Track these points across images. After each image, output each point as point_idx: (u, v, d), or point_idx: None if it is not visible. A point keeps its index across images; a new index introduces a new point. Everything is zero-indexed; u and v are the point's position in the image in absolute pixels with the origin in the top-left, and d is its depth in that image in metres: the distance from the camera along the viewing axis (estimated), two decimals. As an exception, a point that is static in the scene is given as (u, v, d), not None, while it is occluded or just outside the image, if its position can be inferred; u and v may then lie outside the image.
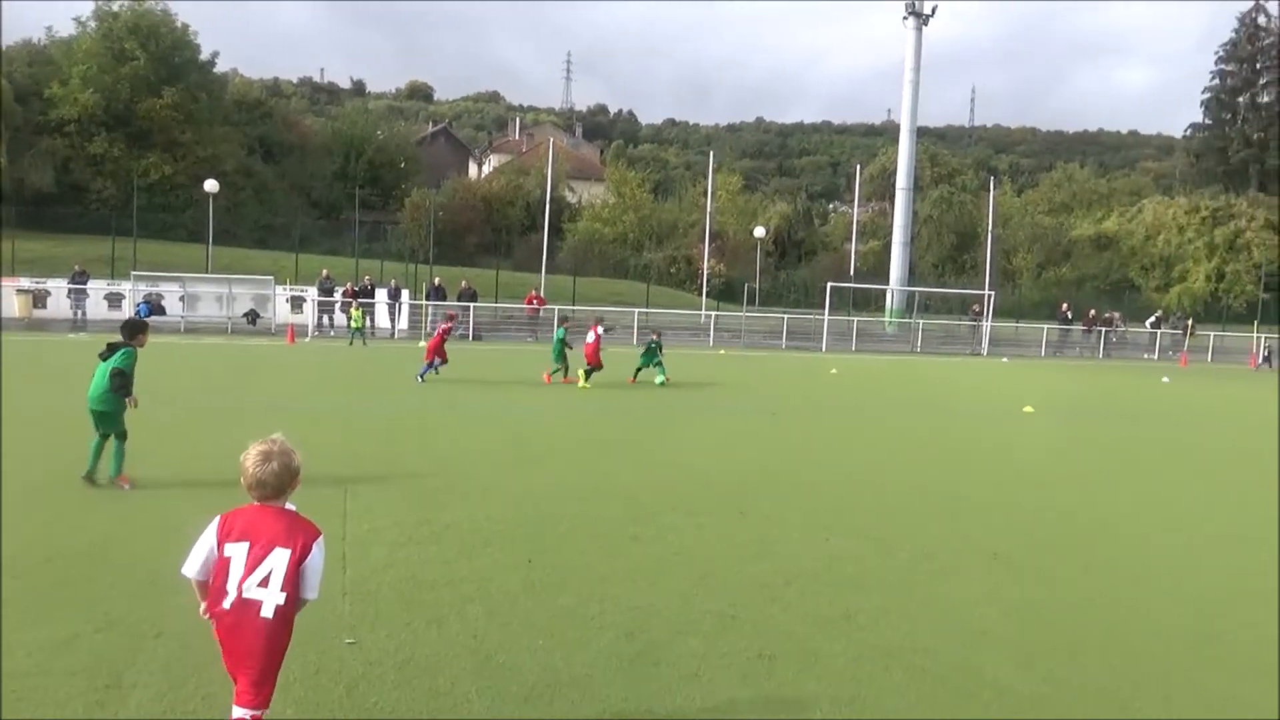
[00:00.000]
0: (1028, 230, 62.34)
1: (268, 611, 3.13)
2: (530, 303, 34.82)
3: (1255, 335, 38.26)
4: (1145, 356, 38.42)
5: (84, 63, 48.05)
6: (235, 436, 10.35)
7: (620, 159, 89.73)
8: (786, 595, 5.70)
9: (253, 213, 51.58)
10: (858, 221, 55.80)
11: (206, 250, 36.86)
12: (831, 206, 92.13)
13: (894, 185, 47.27)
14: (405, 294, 33.81)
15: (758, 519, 7.60)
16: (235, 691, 3.22)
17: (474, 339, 31.82)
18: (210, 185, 35.82)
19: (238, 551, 3.19)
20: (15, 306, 30.76)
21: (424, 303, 33.00)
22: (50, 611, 4.96)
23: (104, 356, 7.81)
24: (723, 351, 31.16)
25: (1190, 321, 41.52)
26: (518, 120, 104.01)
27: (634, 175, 64.07)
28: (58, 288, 31.86)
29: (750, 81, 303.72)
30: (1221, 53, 71.02)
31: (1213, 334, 41.25)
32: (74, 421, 11.49)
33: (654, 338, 18.95)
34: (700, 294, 44.23)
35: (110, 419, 7.77)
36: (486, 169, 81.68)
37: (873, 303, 46.89)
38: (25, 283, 31.96)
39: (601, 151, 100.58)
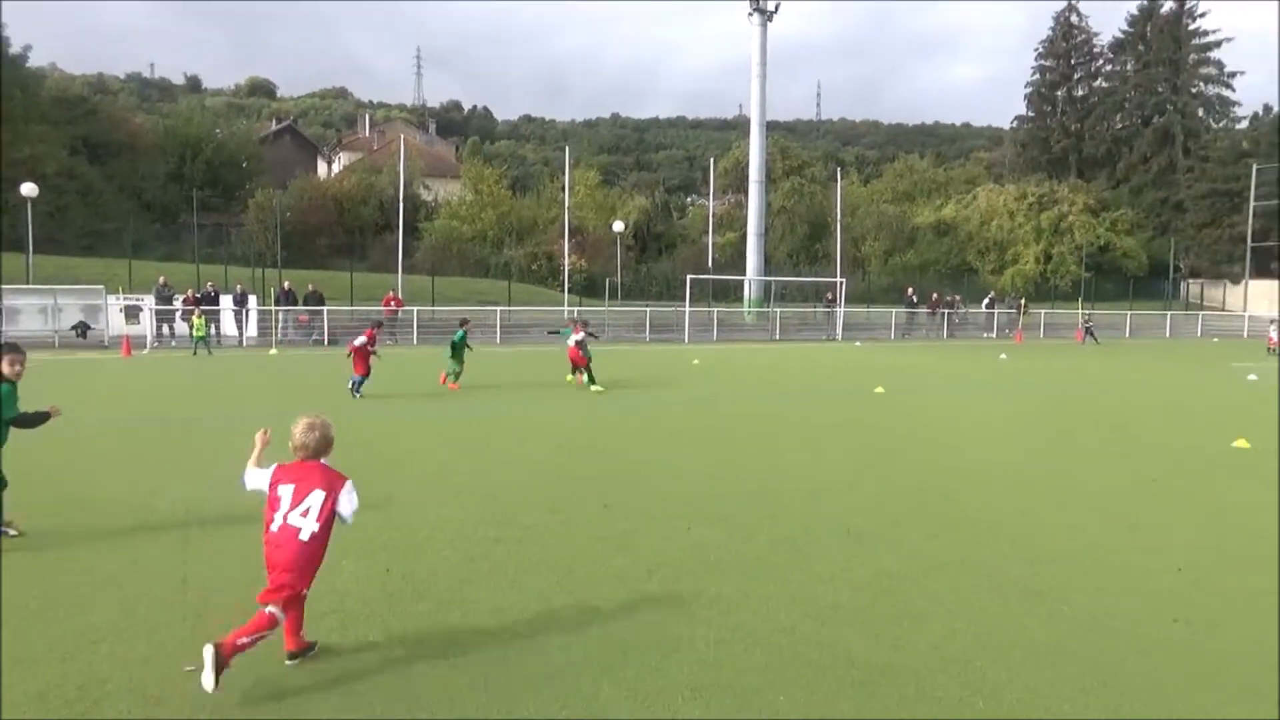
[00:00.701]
0: (874, 219, 65.09)
1: (304, 536, 4.40)
2: (388, 304, 33.88)
3: (1079, 311, 41.26)
4: (985, 336, 40.86)
5: None
6: (65, 456, 9.65)
7: (476, 156, 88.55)
8: (648, 585, 5.75)
9: (78, 217, 48.09)
10: (714, 214, 56.95)
11: (26, 259, 34.14)
12: (689, 200, 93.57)
13: (748, 178, 48.45)
14: (253, 299, 32.27)
15: (621, 512, 7.64)
16: (262, 591, 4.40)
17: (329, 343, 30.71)
18: (28, 189, 33.21)
19: (286, 491, 4.48)
20: None
21: (273, 308, 31.61)
22: None
23: None
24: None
25: (1023, 301, 44.41)
26: (368, 117, 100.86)
27: (491, 172, 63.27)
28: None
29: (605, 77, 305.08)
30: (1040, 49, 76.11)
31: (1043, 312, 44.24)
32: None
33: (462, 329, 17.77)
34: (563, 290, 44.13)
35: None
36: (336, 167, 78.97)
37: (732, 293, 47.97)
38: None
39: (457, 148, 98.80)
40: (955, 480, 9.27)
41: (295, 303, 32.55)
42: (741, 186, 60.12)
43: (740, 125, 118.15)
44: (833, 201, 54.89)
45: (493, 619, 5.12)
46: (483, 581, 5.79)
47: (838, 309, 39.82)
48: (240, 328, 31.60)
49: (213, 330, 28.30)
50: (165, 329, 30.58)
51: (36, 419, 6.48)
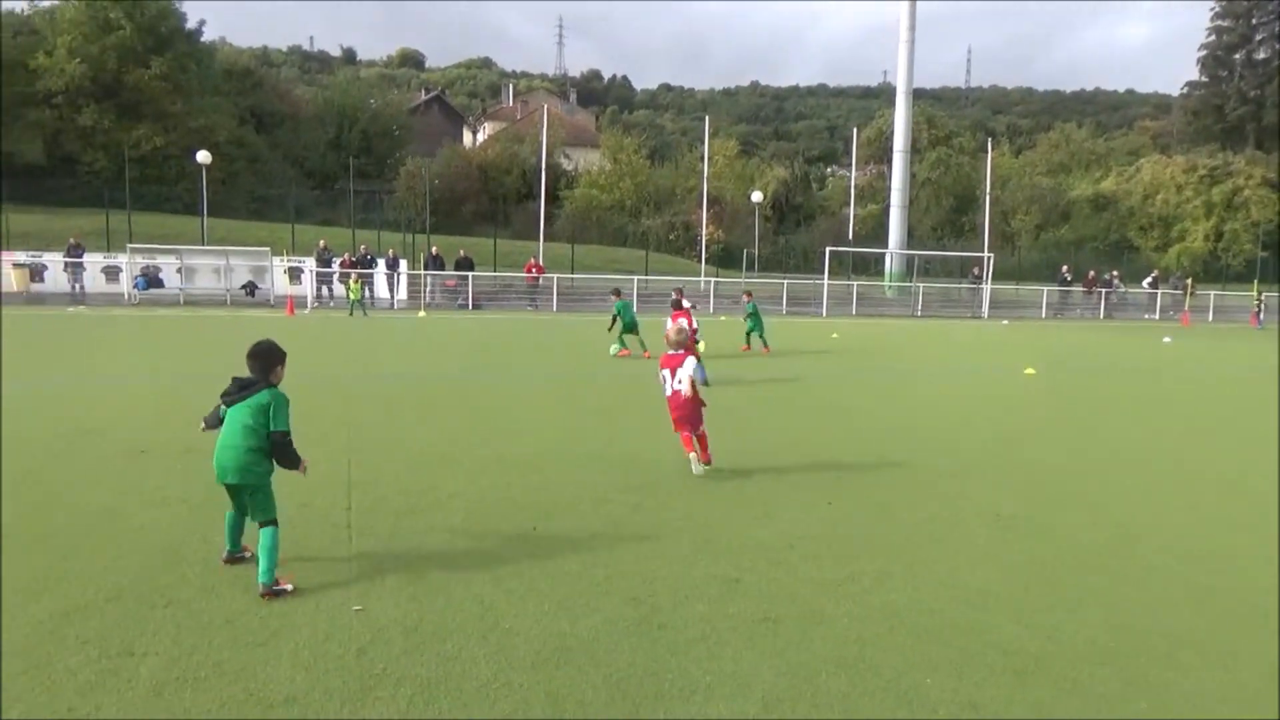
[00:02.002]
0: (1026, 192, 62.08)
1: (685, 393, 7.75)
2: (529, 271, 34.72)
3: (1255, 293, 38.22)
4: (1146, 317, 38.43)
5: (69, 32, 47.51)
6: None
7: (615, 125, 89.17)
8: (790, 558, 5.73)
9: (247, 184, 51.31)
10: (855, 185, 55.52)
11: (201, 222, 36.69)
12: (829, 170, 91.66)
13: (891, 148, 46.95)
14: (403, 264, 33.74)
15: (761, 484, 7.63)
16: (682, 438, 7.92)
17: (474, 308, 31.75)
18: (203, 156, 35.58)
19: (666, 374, 7.88)
20: (13, 281, 30.67)
21: (422, 273, 32.91)
22: (58, 582, 4.98)
23: (232, 400, 5.04)
24: (723, 318, 31.10)
25: (1189, 281, 41.48)
26: (510, 87, 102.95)
27: (630, 141, 63.65)
28: (54, 261, 31.75)
29: (745, 44, 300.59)
30: (1218, 8, 70.25)
31: (1213, 293, 41.21)
32: (76, 392, 11.50)
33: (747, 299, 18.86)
34: (699, 260, 44.08)
35: (258, 496, 5.03)
36: (481, 137, 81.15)
37: (872, 267, 46.81)
38: (21, 257, 31.84)
39: (596, 118, 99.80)
40: (1112, 468, 8.81)
41: (443, 267, 33.78)
42: (884, 157, 58.36)
43: (885, 93, 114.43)
44: (981, 173, 52.66)
45: (636, 583, 5.22)
46: (626, 545, 5.90)
47: (984, 285, 38.26)
48: (392, 291, 33.07)
49: (366, 293, 29.70)
50: (324, 290, 32.34)
51: (295, 456, 5.09)
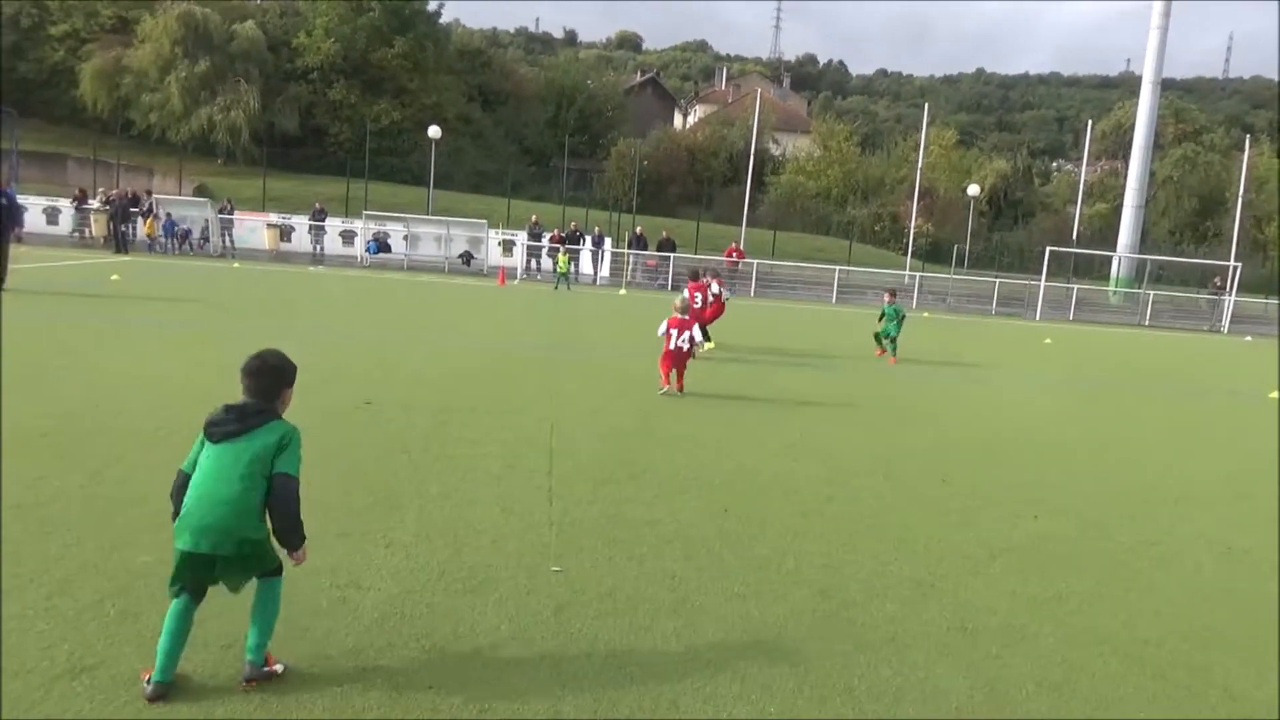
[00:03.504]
0: (1287, 196, 55.67)
1: (684, 348, 10.52)
2: (730, 255, 34.78)
3: None
4: None
5: (326, 14, 51.79)
6: (448, 363, 11.11)
7: (828, 111, 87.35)
8: (990, 569, 5.50)
9: (470, 158, 54.19)
10: (1085, 181, 51.71)
11: (428, 193, 39.17)
12: (1055, 165, 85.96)
13: (1129, 143, 43.37)
14: (608, 242, 34.64)
15: (960, 489, 7.34)
16: (663, 372, 10.58)
17: (673, 289, 32.20)
18: (434, 131, 37.90)
19: (674, 333, 10.47)
20: (265, 239, 34.01)
21: (625, 251, 33.69)
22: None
23: (229, 432, 3.45)
24: (926, 315, 29.99)
25: None
26: (724, 70, 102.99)
27: (841, 128, 62.22)
28: (300, 224, 34.88)
29: (971, 28, 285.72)
30: None
31: None
32: (315, 343, 12.65)
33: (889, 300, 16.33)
34: (905, 253, 42.59)
35: (254, 556, 3.47)
36: (691, 119, 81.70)
37: (1096, 270, 43.63)
38: (274, 218, 35.24)
39: (809, 103, 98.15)
40: (1375, 512, 7.83)
41: (645, 247, 34.45)
42: (1119, 152, 54.07)
43: (1126, 83, 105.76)
44: (1234, 173, 47.68)
45: (825, 575, 5.18)
46: (816, 537, 5.86)
47: (1227, 296, 34.75)
48: (595, 267, 34.08)
49: (573, 268, 30.76)
50: (533, 263, 33.78)
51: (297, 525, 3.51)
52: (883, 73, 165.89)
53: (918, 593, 5.03)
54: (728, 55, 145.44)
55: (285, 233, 34.75)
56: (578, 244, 33.50)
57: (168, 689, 3.33)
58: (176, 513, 3.41)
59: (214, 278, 23.71)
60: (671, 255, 33.46)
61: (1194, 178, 59.65)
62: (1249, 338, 30.82)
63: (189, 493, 3.40)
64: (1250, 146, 46.37)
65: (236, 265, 28.92)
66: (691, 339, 10.58)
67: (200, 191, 41.03)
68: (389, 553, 5.02)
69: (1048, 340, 23.46)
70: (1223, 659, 4.45)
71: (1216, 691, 4.09)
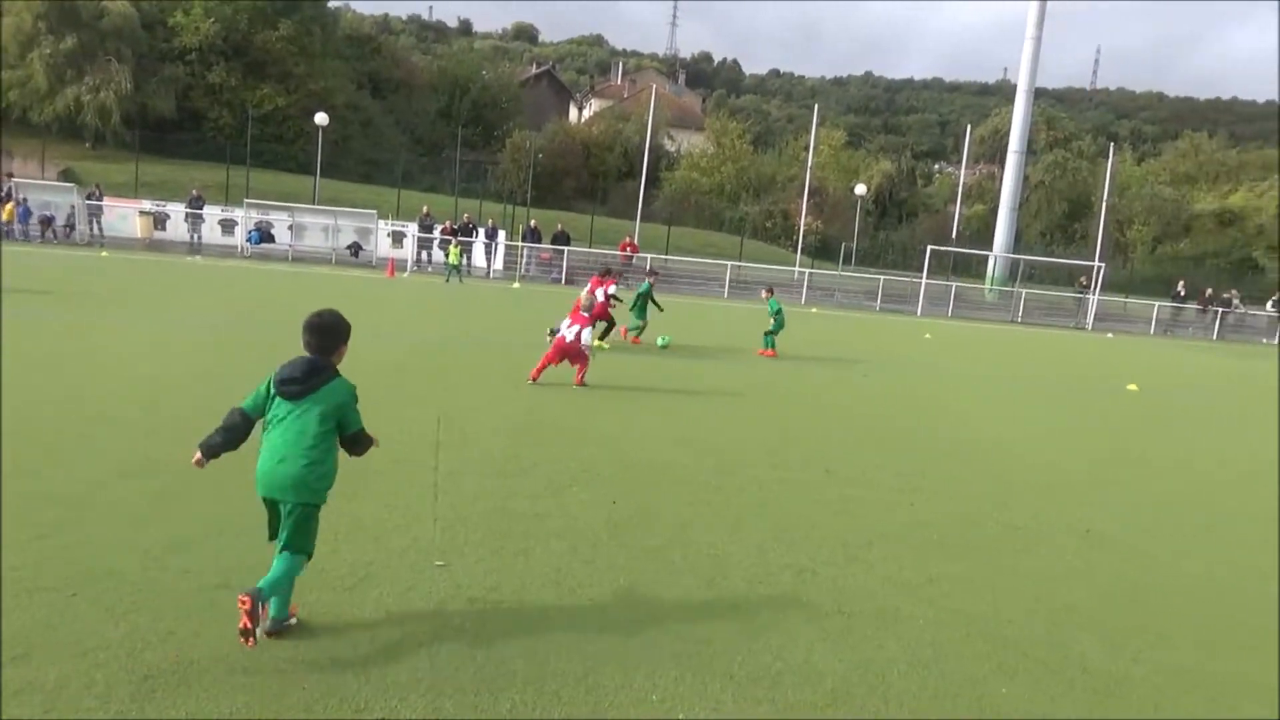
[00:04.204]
0: (1145, 201, 59.34)
1: (570, 339, 10.72)
2: (624, 250, 34.87)
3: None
4: (1264, 341, 36.43)
5: (207, -8, 49.48)
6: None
7: (722, 109, 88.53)
8: (868, 555, 5.67)
9: (358, 147, 52.76)
10: (964, 184, 53.96)
11: (314, 182, 37.94)
12: (937, 167, 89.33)
13: (1005, 148, 45.47)
14: (502, 234, 34.29)
15: (842, 478, 7.56)
16: (542, 363, 10.81)
17: (566, 283, 32.09)
18: (320, 118, 36.74)
19: (565, 325, 10.85)
20: (137, 227, 32.30)
21: (519, 244, 33.40)
22: (162, 516, 5.28)
23: (293, 393, 3.92)
24: (815, 310, 30.76)
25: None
26: (620, 65, 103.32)
27: (735, 126, 63.18)
28: (176, 211, 33.28)
29: (861, 33, 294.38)
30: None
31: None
32: (195, 338, 12.09)
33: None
34: (795, 250, 43.58)
35: (307, 520, 3.94)
36: (587, 113, 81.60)
37: (973, 269, 45.55)
38: (147, 205, 33.49)
39: (703, 100, 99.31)
40: (1219, 494, 8.43)
41: (539, 240, 34.22)
42: (996, 156, 56.64)
43: (1003, 90, 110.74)
44: (1100, 179, 50.54)
45: (711, 566, 5.25)
46: (703, 527, 5.93)
47: (1091, 295, 36.82)
48: (489, 260, 33.67)
49: (464, 261, 30.29)
50: (424, 255, 33.13)
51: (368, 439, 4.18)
52: (775, 73, 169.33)
53: (799, 579, 5.15)
54: (624, 50, 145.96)
55: (159, 220, 33.08)
56: (470, 236, 33.04)
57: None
58: (220, 441, 3.92)
59: (76, 267, 22.40)
60: (566, 249, 33.36)
61: (1064, 182, 62.94)
62: (1110, 334, 32.73)
63: (264, 445, 3.90)
64: (1114, 154, 49.25)
65: (104, 254, 27.39)
66: (579, 334, 10.80)
67: (66, 176, 38.68)
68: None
69: (928, 335, 24.38)
70: (1079, 636, 4.71)
71: (1073, 667, 4.32)
